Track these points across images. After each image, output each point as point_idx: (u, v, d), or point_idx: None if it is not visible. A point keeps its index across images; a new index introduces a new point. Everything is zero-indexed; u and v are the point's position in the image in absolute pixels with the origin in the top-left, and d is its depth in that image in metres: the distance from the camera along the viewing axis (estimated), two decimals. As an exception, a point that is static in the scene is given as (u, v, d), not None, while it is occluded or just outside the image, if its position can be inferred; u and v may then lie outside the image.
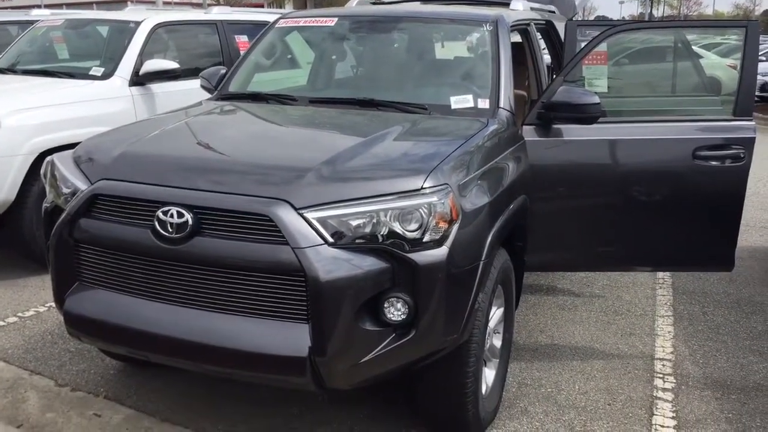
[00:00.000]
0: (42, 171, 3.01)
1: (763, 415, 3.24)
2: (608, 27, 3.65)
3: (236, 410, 3.17)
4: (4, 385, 3.35)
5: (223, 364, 2.50)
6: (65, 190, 2.77)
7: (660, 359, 3.77)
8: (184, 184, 2.53)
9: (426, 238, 2.40)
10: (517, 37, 4.23)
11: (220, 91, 3.95)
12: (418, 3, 5.14)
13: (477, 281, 2.60)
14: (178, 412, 3.15)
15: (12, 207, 4.64)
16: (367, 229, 2.37)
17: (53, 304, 4.15)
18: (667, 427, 3.13)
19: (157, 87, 5.62)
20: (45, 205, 2.93)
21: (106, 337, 2.71)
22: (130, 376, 3.45)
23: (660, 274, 5.04)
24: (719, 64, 12.70)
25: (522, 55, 4.41)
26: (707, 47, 15.26)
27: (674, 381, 3.54)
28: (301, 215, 2.36)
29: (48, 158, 2.99)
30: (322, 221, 2.36)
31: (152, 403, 3.21)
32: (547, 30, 4.81)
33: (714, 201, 3.52)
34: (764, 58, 15.68)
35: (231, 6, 7.23)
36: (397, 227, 2.38)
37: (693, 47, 4.96)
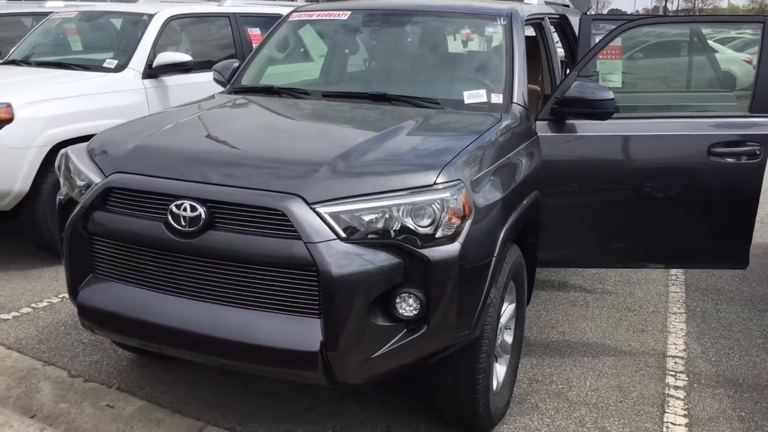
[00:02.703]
0: (56, 164, 3.03)
1: (776, 414, 3.23)
2: (623, 21, 3.62)
3: (247, 403, 3.19)
4: (18, 375, 3.38)
5: (234, 358, 2.51)
6: (79, 183, 2.78)
7: (672, 356, 3.75)
8: (198, 177, 2.54)
9: (438, 234, 2.40)
10: (531, 31, 4.21)
11: (232, 84, 3.96)
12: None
13: (489, 277, 2.60)
14: (189, 404, 3.17)
15: (26, 198, 4.67)
16: (380, 225, 2.37)
17: (66, 295, 4.21)
18: (679, 424, 3.12)
19: (169, 80, 5.63)
20: (59, 197, 2.94)
21: (119, 329, 2.73)
22: (143, 368, 3.47)
23: (673, 271, 5.01)
24: (734, 59, 12.60)
25: (536, 49, 4.38)
26: (722, 41, 15.13)
27: (686, 378, 3.52)
28: (314, 210, 2.36)
29: (62, 151, 3.00)
30: (335, 216, 2.36)
31: (164, 395, 3.24)
32: (561, 24, 4.78)
33: (729, 198, 3.49)
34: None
35: (244, -2, 7.22)
36: (410, 223, 2.38)
37: (708, 41, 4.92)
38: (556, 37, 4.68)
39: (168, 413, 3.09)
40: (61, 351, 3.63)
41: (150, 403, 3.16)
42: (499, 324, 2.88)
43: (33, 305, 4.23)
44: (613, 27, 3.60)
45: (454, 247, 2.42)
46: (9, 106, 4.52)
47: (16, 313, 4.10)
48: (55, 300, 4.31)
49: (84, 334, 3.79)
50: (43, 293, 4.42)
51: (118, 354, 3.59)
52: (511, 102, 3.36)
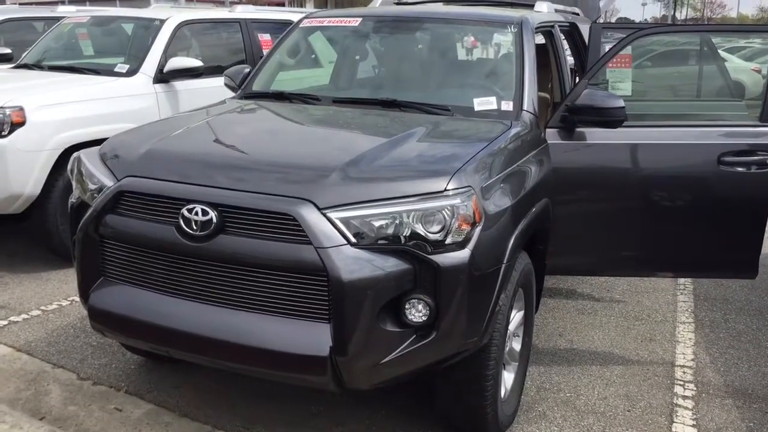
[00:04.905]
0: (69, 167, 3.05)
1: (786, 425, 3.21)
2: (633, 30, 3.62)
3: (255, 407, 3.19)
4: (28, 377, 3.39)
5: (243, 362, 2.52)
6: (91, 187, 2.80)
7: (680, 366, 3.73)
8: (209, 182, 2.55)
9: (448, 240, 2.40)
10: (541, 39, 4.21)
11: (243, 89, 3.98)
12: (441, 4, 5.14)
13: (498, 284, 2.60)
14: (197, 407, 3.18)
15: (37, 201, 4.70)
16: (390, 230, 2.38)
17: (76, 298, 4.24)
18: (688, 434, 3.11)
19: (180, 84, 5.66)
20: (71, 200, 2.96)
21: (129, 332, 2.74)
22: (151, 372, 3.48)
23: (681, 280, 4.99)
24: (743, 68, 12.57)
25: (545, 57, 4.39)
26: (731, 51, 15.10)
27: (695, 388, 3.51)
28: (325, 215, 2.37)
29: (75, 154, 3.02)
30: (345, 221, 2.37)
31: (172, 399, 3.24)
32: (571, 32, 4.79)
33: (738, 207, 3.48)
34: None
35: (254, 4, 7.27)
36: (420, 229, 2.38)
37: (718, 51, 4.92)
38: (566, 45, 4.68)
39: (176, 417, 3.10)
40: (70, 354, 3.64)
41: (158, 407, 3.17)
42: (508, 331, 2.88)
43: (42, 308, 4.25)
44: (623, 35, 3.60)
45: (463, 254, 2.42)
46: (21, 109, 4.55)
47: (26, 316, 4.12)
48: (64, 303, 4.33)
49: (93, 336, 3.81)
50: (52, 296, 4.44)
51: (126, 357, 3.60)
52: (522, 109, 3.37)
